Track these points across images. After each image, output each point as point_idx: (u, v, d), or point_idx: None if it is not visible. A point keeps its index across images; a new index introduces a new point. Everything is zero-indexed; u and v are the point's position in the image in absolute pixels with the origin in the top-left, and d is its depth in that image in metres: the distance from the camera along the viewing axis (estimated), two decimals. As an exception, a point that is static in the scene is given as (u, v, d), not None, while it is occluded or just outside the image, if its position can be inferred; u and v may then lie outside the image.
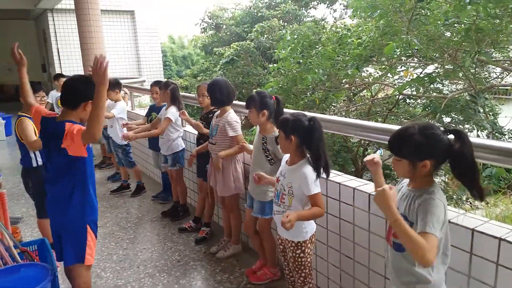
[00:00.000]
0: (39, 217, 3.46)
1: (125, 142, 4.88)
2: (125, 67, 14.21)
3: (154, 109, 4.60)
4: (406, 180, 1.70)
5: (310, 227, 2.29)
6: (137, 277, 3.15)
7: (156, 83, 4.53)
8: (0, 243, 2.60)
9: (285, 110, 2.95)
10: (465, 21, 5.17)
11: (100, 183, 5.45)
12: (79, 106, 2.33)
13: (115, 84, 4.91)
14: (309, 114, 2.29)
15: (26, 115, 3.24)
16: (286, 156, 2.34)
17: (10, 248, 2.66)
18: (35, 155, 3.32)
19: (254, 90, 2.89)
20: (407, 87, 6.51)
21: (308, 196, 2.14)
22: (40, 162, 3.32)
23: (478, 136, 5.77)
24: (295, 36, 7.43)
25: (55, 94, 6.72)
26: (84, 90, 2.33)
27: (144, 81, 9.55)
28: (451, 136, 1.54)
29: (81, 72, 8.90)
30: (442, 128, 1.54)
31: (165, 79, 4.21)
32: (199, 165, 3.76)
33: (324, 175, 2.18)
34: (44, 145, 2.44)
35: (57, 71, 12.87)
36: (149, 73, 14.52)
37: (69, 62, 13.11)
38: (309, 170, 2.15)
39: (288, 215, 1.98)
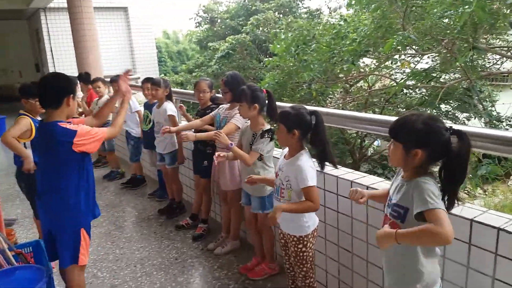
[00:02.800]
0: (36, 217, 3.41)
1: (139, 135, 4.92)
2: (120, 64, 14.11)
3: (147, 107, 4.54)
4: (401, 174, 1.67)
5: (312, 221, 2.25)
6: (134, 276, 3.12)
7: (148, 80, 4.47)
8: (-7, 246, 2.56)
9: (281, 104, 2.91)
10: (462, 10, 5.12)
11: (96, 182, 5.39)
12: (63, 102, 2.29)
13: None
14: (309, 107, 2.26)
15: (27, 114, 3.21)
16: (285, 151, 2.30)
17: (4, 250, 2.62)
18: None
19: (247, 84, 2.84)
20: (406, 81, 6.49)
21: (301, 188, 2.11)
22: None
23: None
24: (289, 35, 7.38)
25: None
26: (63, 86, 2.30)
27: (139, 77, 9.50)
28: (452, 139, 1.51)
29: (76, 71, 8.82)
30: (447, 126, 1.51)
31: (161, 76, 4.16)
32: (195, 162, 3.71)
33: (330, 166, 2.20)
34: (41, 148, 2.39)
35: (51, 70, 12.78)
36: (144, 70, 14.44)
37: (62, 61, 13.03)
38: (305, 163, 2.12)
39: (276, 207, 2.01)
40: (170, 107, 4.01)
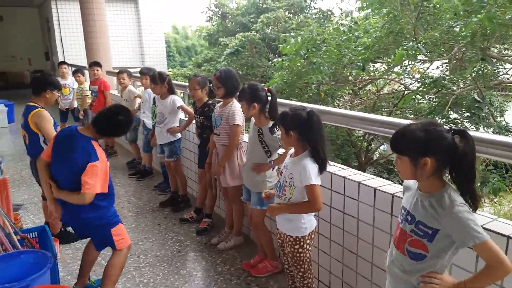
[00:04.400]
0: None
1: (151, 127, 4.92)
2: (129, 56, 14.15)
3: (154, 101, 4.57)
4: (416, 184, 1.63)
5: (310, 223, 2.24)
6: (137, 266, 3.13)
7: (145, 70, 4.75)
8: (0, 230, 2.58)
9: (286, 101, 2.91)
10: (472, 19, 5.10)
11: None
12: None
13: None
14: (308, 105, 2.25)
15: (39, 105, 3.22)
16: (292, 150, 2.31)
17: (10, 234, 2.65)
18: (45, 144, 3.26)
19: (247, 83, 2.84)
20: (414, 93, 6.46)
21: (304, 186, 2.09)
22: None
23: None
24: (299, 38, 7.36)
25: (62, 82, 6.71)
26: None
27: (147, 70, 9.48)
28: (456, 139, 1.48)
29: (85, 61, 8.86)
30: (447, 127, 1.48)
31: (158, 71, 4.18)
32: (200, 155, 3.72)
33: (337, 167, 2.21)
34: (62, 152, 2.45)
35: (60, 59, 12.82)
36: (153, 63, 14.45)
37: (72, 50, 13.06)
38: (309, 162, 2.12)
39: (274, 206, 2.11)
40: (177, 99, 4.04)
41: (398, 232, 1.63)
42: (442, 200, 1.46)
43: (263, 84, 3.21)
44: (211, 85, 3.56)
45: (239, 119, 3.04)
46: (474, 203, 1.48)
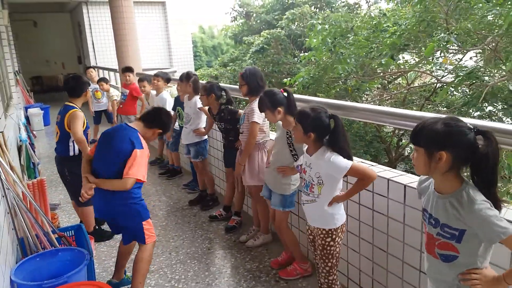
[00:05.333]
0: (78, 205, 3.53)
1: (177, 128, 5.01)
2: (157, 58, 14.42)
3: (178, 103, 4.66)
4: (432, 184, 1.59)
5: (340, 215, 2.26)
6: (169, 263, 3.21)
7: (159, 74, 5.07)
8: (39, 229, 2.71)
9: (307, 97, 2.89)
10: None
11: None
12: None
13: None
14: (333, 101, 2.26)
15: (76, 106, 3.38)
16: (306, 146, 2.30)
17: (48, 233, 2.77)
18: (73, 144, 3.41)
19: (263, 91, 2.84)
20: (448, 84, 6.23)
21: (347, 172, 2.10)
22: (77, 151, 3.41)
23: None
24: (326, 26, 7.23)
25: (92, 86, 6.93)
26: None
27: (175, 71, 9.63)
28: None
29: (115, 64, 9.10)
30: (470, 126, 1.42)
31: (186, 71, 4.27)
32: (226, 155, 3.77)
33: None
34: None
35: (92, 62, 13.24)
36: (180, 64, 14.69)
37: (102, 53, 13.45)
38: (330, 154, 2.13)
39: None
40: (199, 100, 4.08)
41: (426, 236, 1.61)
42: (462, 200, 1.43)
43: (289, 79, 3.23)
44: (221, 92, 3.64)
45: (258, 116, 3.05)
46: (496, 206, 1.42)
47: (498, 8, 4.86)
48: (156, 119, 2.72)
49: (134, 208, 2.57)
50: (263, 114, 2.86)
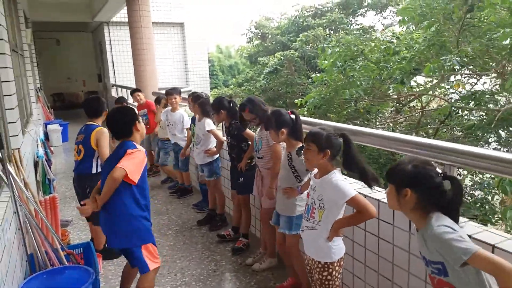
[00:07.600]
0: (95, 224, 3.53)
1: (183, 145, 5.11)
2: (174, 77, 14.72)
3: (193, 121, 4.72)
4: None
5: (338, 248, 2.20)
6: (174, 285, 3.21)
7: (172, 90, 5.20)
8: (48, 246, 2.77)
9: (314, 120, 2.92)
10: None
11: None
12: (132, 131, 2.57)
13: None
14: (340, 125, 2.27)
15: (99, 125, 3.48)
16: (314, 172, 2.30)
17: (57, 250, 2.83)
18: (97, 161, 3.46)
19: (271, 110, 2.89)
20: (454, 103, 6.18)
21: (346, 202, 2.09)
22: (99, 169, 3.45)
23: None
24: (336, 49, 7.31)
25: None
26: (129, 118, 2.57)
27: (190, 90, 9.83)
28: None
29: (133, 83, 9.33)
30: (439, 171, 1.57)
31: (192, 91, 4.36)
32: (232, 177, 3.80)
33: (375, 185, 2.15)
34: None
35: (111, 81, 13.60)
36: (196, 83, 14.94)
37: (121, 72, 13.81)
38: (338, 180, 2.11)
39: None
40: (208, 122, 4.14)
41: (429, 276, 1.64)
42: (427, 230, 1.52)
43: (300, 99, 3.29)
44: (230, 104, 3.69)
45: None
46: None
47: (500, 29, 4.82)
48: (121, 126, 2.55)
49: (130, 227, 2.42)
50: None
